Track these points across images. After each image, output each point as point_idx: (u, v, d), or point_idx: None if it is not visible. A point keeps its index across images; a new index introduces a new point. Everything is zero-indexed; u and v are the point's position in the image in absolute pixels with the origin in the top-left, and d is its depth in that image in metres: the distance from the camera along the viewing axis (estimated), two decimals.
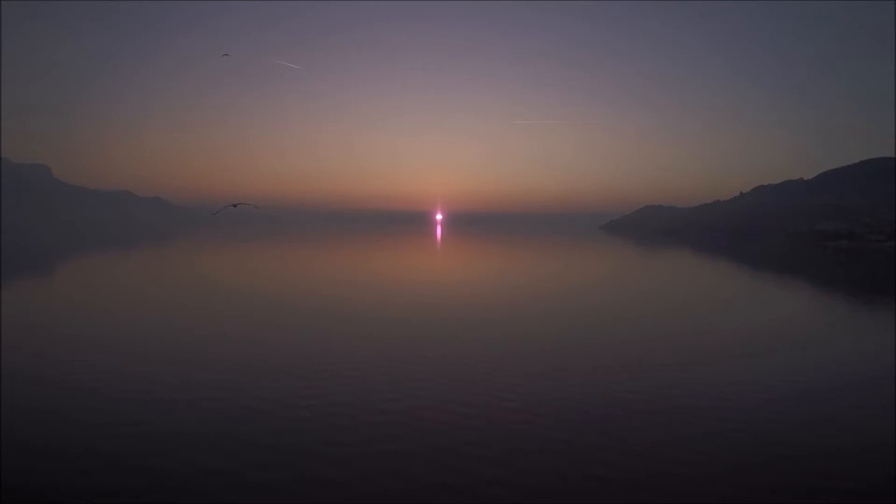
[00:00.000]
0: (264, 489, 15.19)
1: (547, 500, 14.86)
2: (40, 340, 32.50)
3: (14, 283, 62.26)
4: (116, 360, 28.10)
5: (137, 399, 22.28)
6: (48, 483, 15.33)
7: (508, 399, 22.90)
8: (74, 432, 18.79)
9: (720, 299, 59.15)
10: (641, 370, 27.75)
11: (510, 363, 28.70)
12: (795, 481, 16.05)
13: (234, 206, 25.30)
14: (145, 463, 16.54)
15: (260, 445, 17.95)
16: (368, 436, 18.88)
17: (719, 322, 43.69)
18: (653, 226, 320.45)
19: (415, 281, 72.07)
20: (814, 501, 15.04)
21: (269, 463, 16.71)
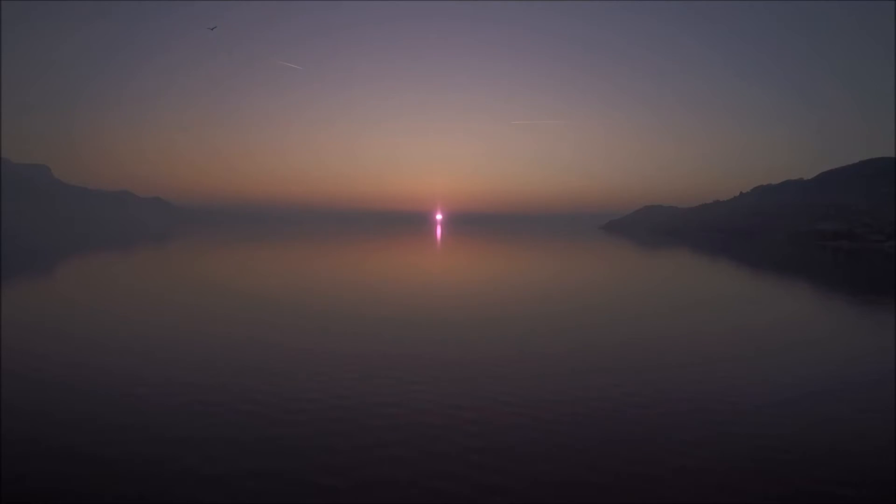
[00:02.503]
0: (264, 492, 15.16)
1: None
2: (39, 341, 32.46)
3: (13, 283, 62.21)
4: (116, 361, 28.06)
5: (138, 399, 22.22)
6: (49, 483, 15.30)
7: (508, 401, 22.84)
8: (76, 432, 18.75)
9: (719, 300, 59.10)
10: (640, 371, 27.72)
11: (509, 364, 28.66)
12: (793, 482, 16.01)
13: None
14: (146, 464, 16.51)
15: (262, 447, 17.93)
16: (366, 438, 18.87)
17: (718, 323, 43.65)
18: (653, 226, 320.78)
19: (415, 281, 72.04)
20: (812, 502, 15.06)
21: (272, 465, 16.69)
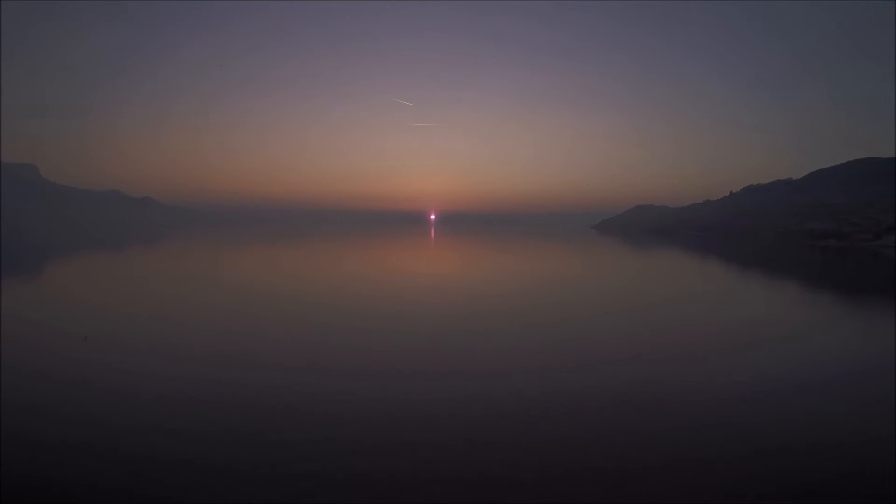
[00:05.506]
0: (264, 488, 15.72)
1: (531, 496, 15.48)
2: (38, 339, 32.79)
3: (13, 281, 62.06)
4: (116, 357, 28.51)
5: (138, 395, 22.71)
6: (51, 479, 15.73)
7: (501, 397, 23.49)
8: (76, 428, 19.21)
9: (709, 296, 60.01)
10: (627, 365, 28.49)
11: (505, 360, 29.35)
12: (778, 473, 16.68)
13: None
14: (145, 457, 17.02)
15: (260, 442, 18.49)
16: (367, 432, 19.43)
17: (708, 318, 44.43)
18: (644, 225, 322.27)
19: (411, 279, 72.50)
20: (790, 493, 15.64)
21: (271, 461, 17.24)
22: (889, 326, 41.15)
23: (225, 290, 58.55)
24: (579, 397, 23.48)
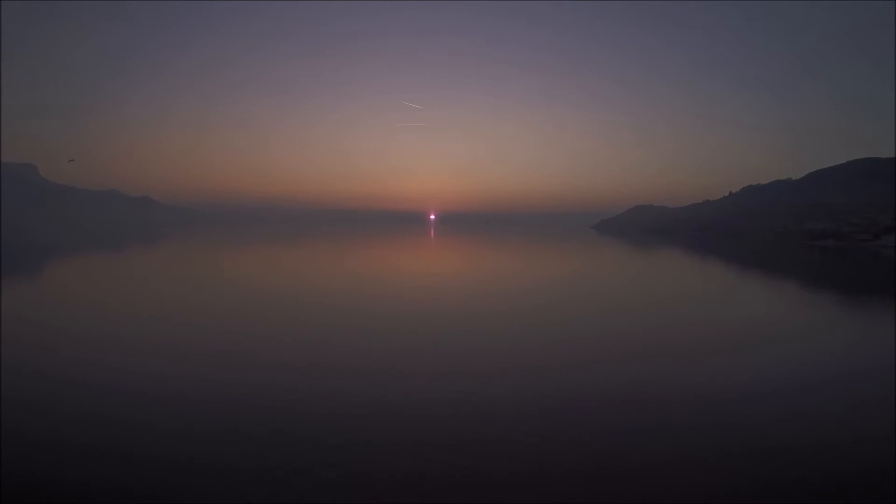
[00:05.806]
0: (263, 486, 15.73)
1: (523, 494, 15.51)
2: (38, 339, 32.79)
3: (13, 280, 62.09)
4: (116, 356, 28.49)
5: (138, 396, 22.70)
6: (51, 479, 15.70)
7: (497, 395, 23.50)
8: (78, 428, 19.17)
9: (708, 297, 60.10)
10: (630, 365, 28.49)
11: (503, 358, 29.35)
12: (774, 473, 16.71)
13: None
14: (147, 459, 17.01)
15: (260, 441, 18.49)
16: (367, 431, 19.44)
17: (706, 319, 44.53)
18: (643, 225, 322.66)
19: (411, 279, 72.55)
20: (789, 493, 15.65)
21: (269, 458, 17.24)
22: (889, 326, 41.22)
23: (225, 290, 58.63)
24: (579, 397, 23.51)
